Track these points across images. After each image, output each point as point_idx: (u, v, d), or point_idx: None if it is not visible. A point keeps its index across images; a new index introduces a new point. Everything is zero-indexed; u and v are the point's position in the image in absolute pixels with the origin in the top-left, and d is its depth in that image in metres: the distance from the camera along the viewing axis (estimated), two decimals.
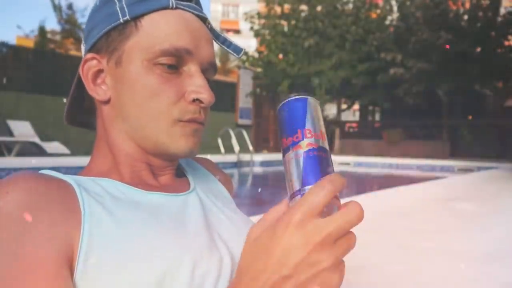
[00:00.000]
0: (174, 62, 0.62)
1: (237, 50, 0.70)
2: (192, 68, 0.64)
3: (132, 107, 0.63)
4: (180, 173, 0.73)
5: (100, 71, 0.65)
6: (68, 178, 0.59)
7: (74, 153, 10.93)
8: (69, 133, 12.00)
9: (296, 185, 0.46)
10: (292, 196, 0.46)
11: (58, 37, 20.75)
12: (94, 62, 0.64)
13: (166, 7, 0.63)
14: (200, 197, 0.69)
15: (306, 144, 0.47)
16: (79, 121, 0.74)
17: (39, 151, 10.81)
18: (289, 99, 0.51)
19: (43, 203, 0.52)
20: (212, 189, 0.75)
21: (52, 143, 11.33)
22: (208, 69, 0.67)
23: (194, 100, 0.63)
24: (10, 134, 11.22)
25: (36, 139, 11.13)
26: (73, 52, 17.81)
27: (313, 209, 0.41)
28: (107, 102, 0.65)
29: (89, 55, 0.65)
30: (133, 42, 0.62)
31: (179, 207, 0.64)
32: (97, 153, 0.68)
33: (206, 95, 0.63)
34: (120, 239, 0.54)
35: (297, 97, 0.51)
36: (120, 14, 0.62)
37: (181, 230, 0.60)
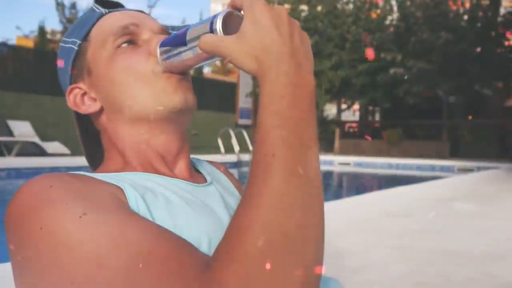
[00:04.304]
0: (129, 38, 0.68)
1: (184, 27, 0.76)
2: (146, 36, 0.68)
3: (118, 92, 0.66)
4: (194, 171, 0.75)
5: (84, 94, 0.70)
6: (94, 175, 0.60)
7: (74, 153, 10.94)
8: (69, 133, 12.00)
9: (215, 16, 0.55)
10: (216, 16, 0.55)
11: (58, 37, 20.74)
12: (76, 90, 0.71)
13: (102, 16, 0.71)
14: (218, 190, 0.71)
15: None
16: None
17: (39, 151, 10.82)
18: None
19: (89, 179, 0.56)
20: (227, 187, 0.76)
21: (52, 143, 11.34)
22: (163, 34, 0.70)
23: None
24: (10, 134, 11.22)
25: (36, 139, 11.14)
26: None
27: None
28: (102, 111, 0.70)
29: (69, 88, 0.71)
30: (91, 50, 0.69)
31: (200, 195, 0.66)
32: (107, 158, 0.71)
33: None
34: (160, 212, 0.57)
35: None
36: (73, 46, 0.70)
37: (209, 215, 0.62)
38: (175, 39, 0.61)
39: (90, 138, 0.76)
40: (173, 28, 0.75)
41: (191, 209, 0.60)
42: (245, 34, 0.51)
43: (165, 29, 0.72)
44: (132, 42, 0.68)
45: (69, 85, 0.71)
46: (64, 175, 0.54)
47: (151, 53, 0.66)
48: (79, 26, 0.72)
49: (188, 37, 0.59)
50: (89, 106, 0.70)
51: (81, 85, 0.70)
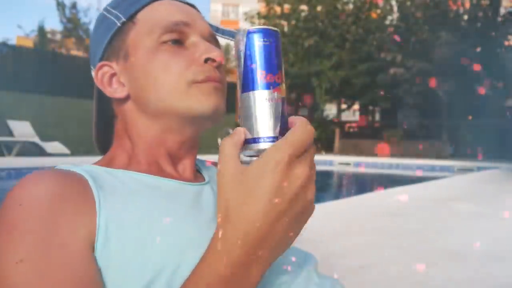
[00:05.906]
0: (177, 37, 0.65)
1: (231, 34, 0.72)
2: (195, 39, 0.66)
3: (149, 87, 0.65)
4: (196, 170, 0.75)
5: (113, 75, 0.68)
6: (83, 172, 0.60)
7: (74, 153, 10.94)
8: (69, 133, 12.01)
9: (273, 129, 0.46)
10: (264, 138, 0.46)
11: (58, 37, 20.76)
12: (106, 68, 0.68)
13: (154, 0, 0.67)
14: (214, 190, 0.70)
15: (283, 88, 0.47)
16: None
17: (39, 151, 10.82)
18: (271, 28, 0.47)
19: (68, 195, 0.55)
20: None
21: (52, 143, 11.35)
22: (210, 41, 0.69)
23: (205, 61, 0.65)
24: (10, 134, 11.22)
25: (36, 139, 11.14)
26: (74, 52, 17.80)
27: (298, 151, 0.44)
28: (127, 99, 0.68)
29: (100, 64, 0.68)
30: (134, 34, 0.66)
31: (193, 195, 0.65)
32: (117, 146, 0.70)
33: (216, 53, 0.65)
34: (134, 226, 0.55)
35: (271, 28, 0.47)
36: (116, 21, 0.67)
37: (196, 218, 0.61)
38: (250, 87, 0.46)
39: (103, 121, 0.74)
40: (217, 29, 0.72)
41: (177, 216, 0.59)
42: (243, 179, 0.45)
43: (213, 35, 0.69)
44: (179, 41, 0.65)
45: (100, 61, 0.69)
46: (49, 182, 0.55)
47: (194, 60, 0.64)
48: (127, 2, 0.68)
49: (247, 111, 0.46)
50: (115, 91, 0.67)
51: (113, 64, 0.68)
